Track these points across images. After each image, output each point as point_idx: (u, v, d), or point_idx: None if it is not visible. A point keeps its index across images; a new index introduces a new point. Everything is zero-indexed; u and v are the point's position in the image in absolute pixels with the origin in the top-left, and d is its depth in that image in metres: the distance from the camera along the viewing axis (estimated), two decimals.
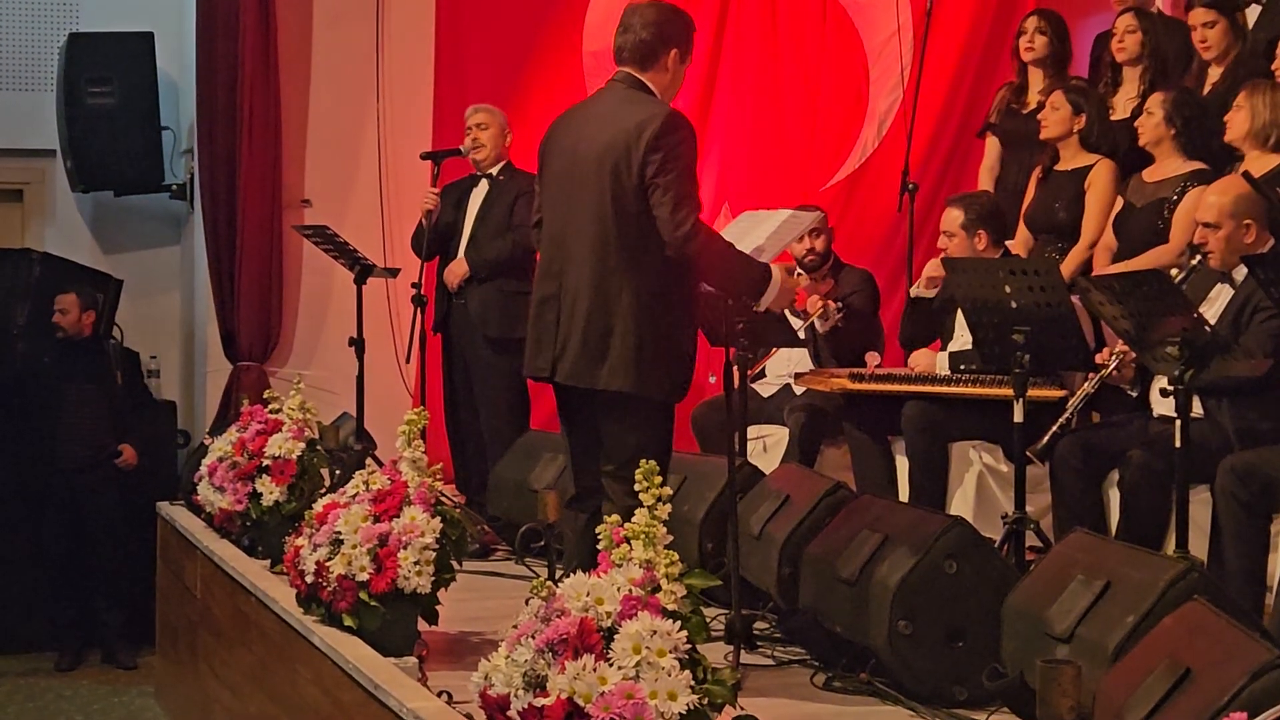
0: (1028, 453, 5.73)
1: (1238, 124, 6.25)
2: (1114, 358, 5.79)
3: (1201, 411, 5.61)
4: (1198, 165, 6.57)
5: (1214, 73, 7.02)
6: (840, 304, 7.51)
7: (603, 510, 5.08)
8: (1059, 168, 7.20)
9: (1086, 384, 5.88)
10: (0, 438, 9.52)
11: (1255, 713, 3.24)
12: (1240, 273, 5.65)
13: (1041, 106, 7.56)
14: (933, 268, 7.08)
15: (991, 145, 8.02)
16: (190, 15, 9.91)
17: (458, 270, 8.20)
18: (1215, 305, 5.72)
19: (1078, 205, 7.05)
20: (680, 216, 5.01)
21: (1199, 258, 5.72)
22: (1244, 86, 6.31)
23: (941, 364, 6.83)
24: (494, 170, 8.29)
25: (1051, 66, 7.75)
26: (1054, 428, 5.77)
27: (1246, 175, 5.79)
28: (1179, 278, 5.58)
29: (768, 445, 7.54)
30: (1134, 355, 5.70)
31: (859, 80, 9.50)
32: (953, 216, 6.86)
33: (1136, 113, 6.92)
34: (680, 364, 5.19)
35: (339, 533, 5.37)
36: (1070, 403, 5.84)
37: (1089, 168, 7.07)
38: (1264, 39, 6.85)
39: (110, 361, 9.78)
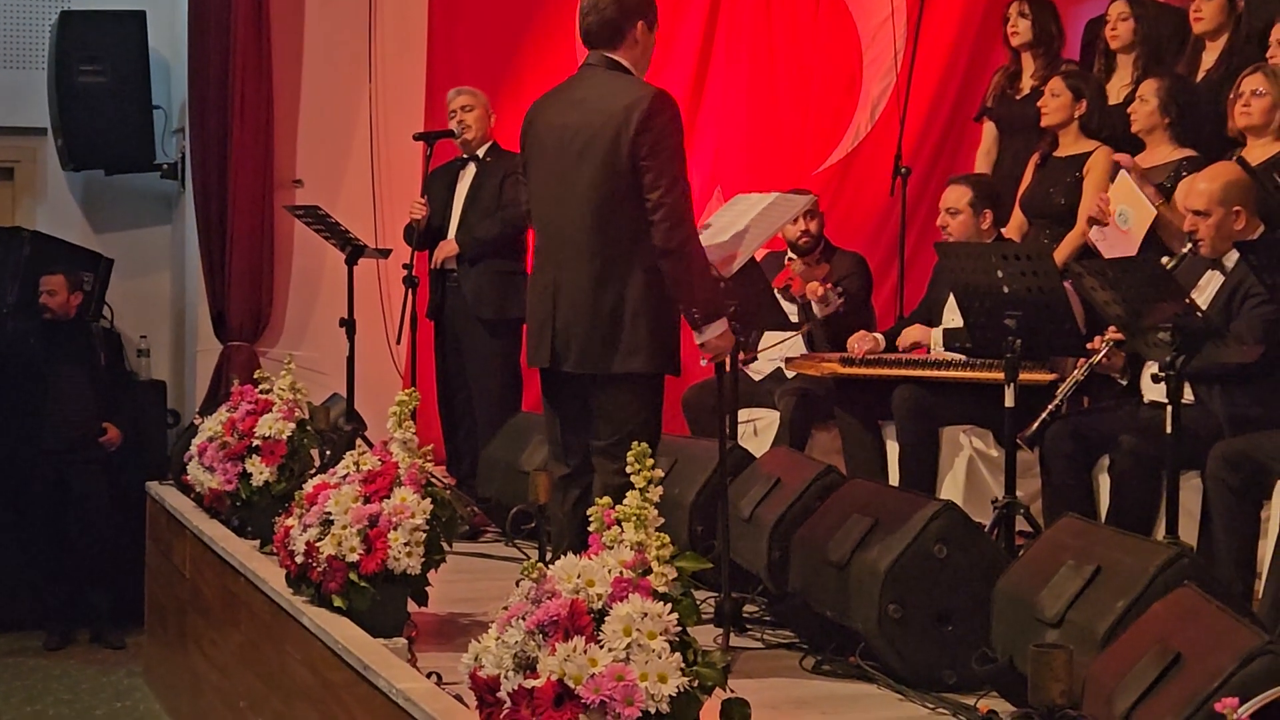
0: (1017, 438, 5.73)
1: (1263, 108, 6.16)
2: (1105, 344, 5.79)
3: (1192, 398, 5.62)
4: (1189, 152, 6.56)
5: (1207, 59, 7.01)
6: (840, 290, 7.50)
7: (593, 487, 5.10)
8: (1058, 154, 7.19)
9: (1077, 370, 5.88)
10: None
11: (1245, 698, 3.24)
12: (1231, 259, 5.65)
13: (1036, 91, 7.55)
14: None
15: (988, 130, 8.02)
16: None
17: (447, 249, 8.20)
18: (1206, 292, 5.72)
19: (1075, 191, 7.04)
20: (671, 199, 5.02)
21: (1190, 244, 5.72)
22: (1259, 70, 6.22)
23: (936, 340, 6.83)
24: (481, 151, 8.28)
25: (1042, 51, 7.73)
26: (1044, 414, 5.77)
27: (1241, 160, 5.78)
28: (1171, 264, 5.58)
29: (758, 428, 7.54)
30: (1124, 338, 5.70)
31: (853, 64, 9.49)
32: (959, 193, 6.86)
33: (1130, 99, 6.91)
34: (677, 337, 5.21)
35: (329, 513, 5.37)
36: (1060, 389, 5.84)
37: (1087, 154, 7.06)
38: (1259, 25, 6.85)
39: (95, 342, 9.78)
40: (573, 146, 5.18)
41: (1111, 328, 5.71)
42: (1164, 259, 5.69)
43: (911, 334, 6.96)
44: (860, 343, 6.98)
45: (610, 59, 5.24)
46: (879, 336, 7.04)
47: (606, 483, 4.97)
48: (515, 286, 8.03)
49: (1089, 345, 5.85)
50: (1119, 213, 6.43)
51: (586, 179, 5.13)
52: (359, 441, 7.02)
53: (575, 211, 5.17)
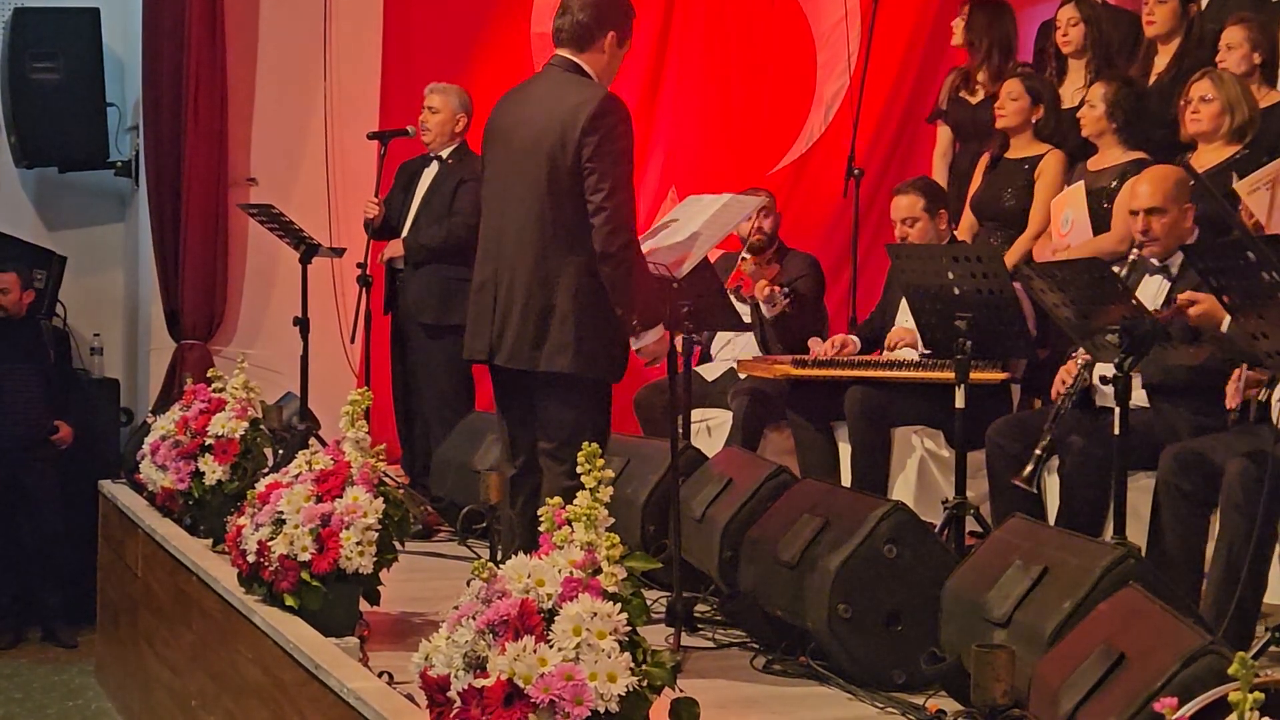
0: (1015, 482, 5.66)
1: (1211, 114, 6.20)
2: (1079, 369, 5.72)
3: (1147, 403, 5.64)
4: (1138, 155, 6.61)
5: (1159, 62, 7.06)
6: (787, 290, 7.52)
7: (541, 489, 5.11)
8: (1009, 155, 7.22)
9: (1060, 402, 5.77)
10: None
11: (1187, 698, 3.27)
12: (1176, 262, 5.68)
13: (992, 96, 7.58)
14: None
15: (943, 133, 8.05)
16: None
17: (393, 249, 8.20)
18: (1146, 298, 5.71)
19: (1027, 194, 7.08)
20: (613, 204, 5.04)
21: (1135, 250, 5.74)
22: (1205, 76, 6.26)
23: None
24: (444, 153, 8.26)
25: (997, 54, 7.76)
26: (1038, 450, 5.68)
27: (1187, 165, 5.81)
28: (1120, 271, 5.59)
29: (711, 428, 7.55)
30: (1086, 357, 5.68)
31: (807, 65, 9.52)
32: (911, 203, 6.84)
33: (1084, 103, 6.95)
34: (619, 343, 5.21)
35: (281, 512, 5.37)
36: (1045, 426, 5.74)
37: (1039, 157, 7.10)
38: (1212, 30, 6.89)
39: (45, 340, 9.74)
40: (524, 143, 5.21)
41: (1081, 350, 5.68)
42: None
43: (899, 332, 6.89)
44: (815, 345, 6.98)
45: (572, 61, 5.27)
46: (855, 339, 7.00)
47: (554, 485, 4.99)
48: (458, 292, 8.00)
49: (1063, 368, 5.83)
50: (1064, 219, 6.48)
51: (531, 176, 5.15)
52: (312, 440, 7.03)
53: (519, 208, 5.20)
